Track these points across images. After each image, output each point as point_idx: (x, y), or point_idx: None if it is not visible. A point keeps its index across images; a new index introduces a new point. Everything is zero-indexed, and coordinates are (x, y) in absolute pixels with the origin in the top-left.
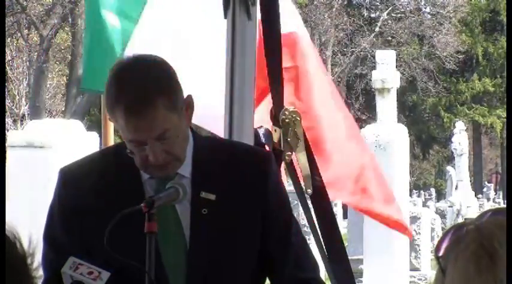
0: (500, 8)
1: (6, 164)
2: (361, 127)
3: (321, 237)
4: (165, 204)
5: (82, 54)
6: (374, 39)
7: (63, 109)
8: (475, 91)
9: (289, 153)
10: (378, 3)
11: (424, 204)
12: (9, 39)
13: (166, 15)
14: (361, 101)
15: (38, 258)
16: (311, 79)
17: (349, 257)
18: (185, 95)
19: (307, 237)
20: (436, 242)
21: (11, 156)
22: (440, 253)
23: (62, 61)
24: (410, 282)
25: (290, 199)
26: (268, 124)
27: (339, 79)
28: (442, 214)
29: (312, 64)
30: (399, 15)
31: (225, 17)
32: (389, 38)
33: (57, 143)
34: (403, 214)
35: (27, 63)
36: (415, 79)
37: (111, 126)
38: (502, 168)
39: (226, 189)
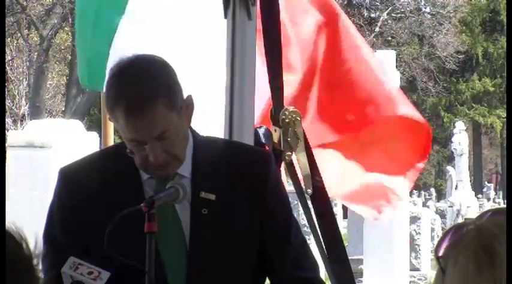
0: (500, 8)
1: (6, 164)
2: None
3: (321, 237)
4: (165, 203)
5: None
6: (374, 39)
7: (63, 109)
8: (475, 91)
9: (289, 153)
10: (378, 3)
11: (424, 204)
12: (9, 39)
13: (166, 15)
14: None
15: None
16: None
17: (349, 257)
18: (185, 95)
19: (307, 237)
20: (436, 242)
21: (11, 156)
22: (440, 253)
23: (62, 61)
24: (410, 282)
25: (290, 199)
26: None
27: None
28: (442, 214)
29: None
30: (399, 15)
31: (225, 16)
32: (389, 38)
33: (57, 143)
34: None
35: (27, 63)
36: (415, 79)
37: (111, 126)
38: (502, 168)
39: (226, 189)
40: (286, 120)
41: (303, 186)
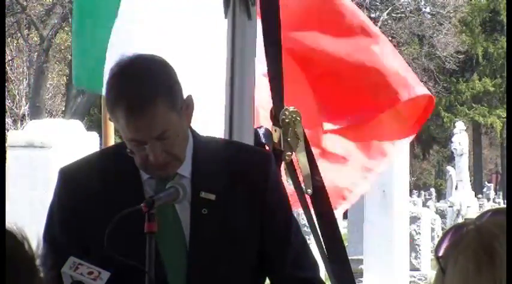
0: (500, 8)
1: (6, 164)
2: None
3: (321, 237)
4: (165, 203)
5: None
6: None
7: (63, 109)
8: (475, 91)
9: (289, 153)
10: (378, 3)
11: (424, 204)
12: (9, 39)
13: (166, 15)
14: None
15: None
16: None
17: (349, 257)
18: (185, 95)
19: (307, 237)
20: (436, 242)
21: (11, 156)
22: (440, 253)
23: (62, 61)
24: (410, 282)
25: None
26: None
27: None
28: (442, 214)
29: None
30: (399, 15)
31: (225, 16)
32: (390, 38)
33: (57, 143)
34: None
35: (27, 63)
36: None
37: (111, 126)
38: (502, 168)
39: (226, 189)
40: (286, 120)
41: (303, 186)
